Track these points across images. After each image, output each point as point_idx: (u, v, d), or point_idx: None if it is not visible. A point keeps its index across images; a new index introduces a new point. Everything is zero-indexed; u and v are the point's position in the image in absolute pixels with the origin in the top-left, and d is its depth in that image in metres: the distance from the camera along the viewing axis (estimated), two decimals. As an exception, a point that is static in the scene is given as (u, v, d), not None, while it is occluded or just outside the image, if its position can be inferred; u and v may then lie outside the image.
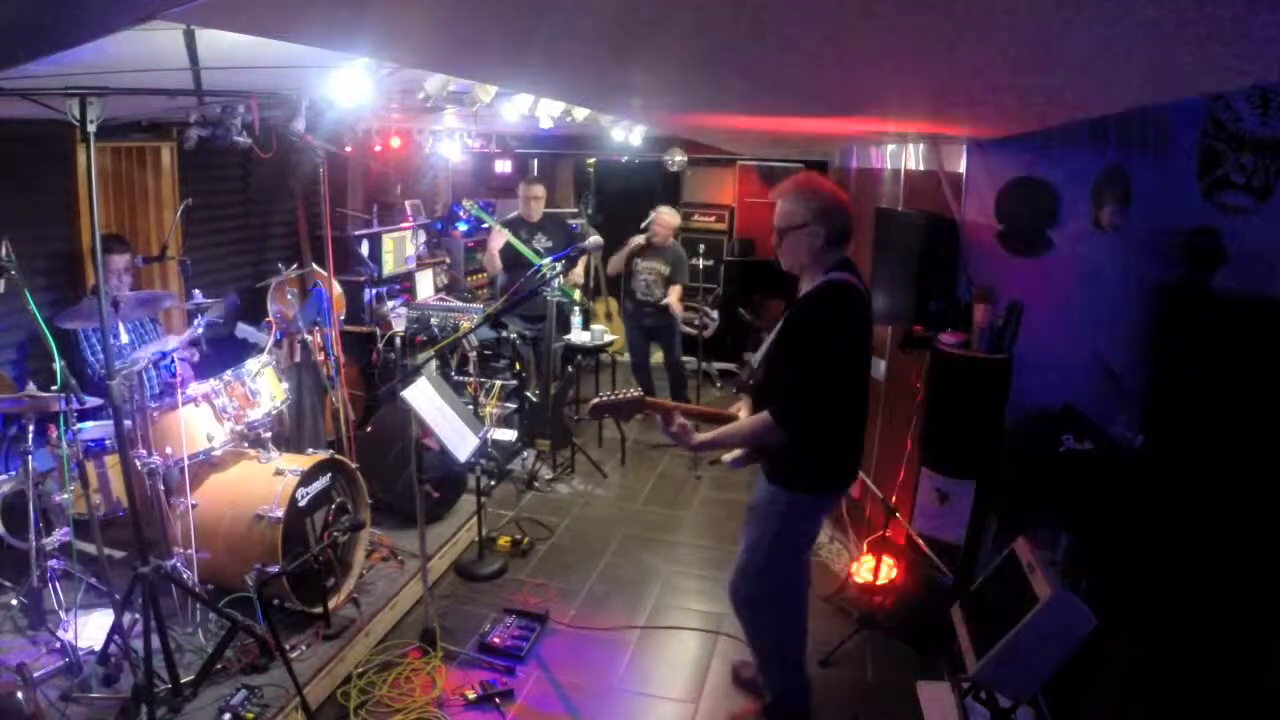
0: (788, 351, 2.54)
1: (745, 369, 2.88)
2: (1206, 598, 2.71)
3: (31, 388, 2.99)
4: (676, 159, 7.60)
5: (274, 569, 2.98)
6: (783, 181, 2.70)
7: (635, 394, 2.73)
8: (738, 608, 2.88)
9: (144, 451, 2.96)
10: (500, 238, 5.53)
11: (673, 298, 5.96)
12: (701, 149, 7.50)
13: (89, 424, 3.18)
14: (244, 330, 4.28)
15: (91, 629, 2.98)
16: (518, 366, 5.53)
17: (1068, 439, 3.07)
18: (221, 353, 3.88)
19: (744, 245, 7.76)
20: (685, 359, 6.47)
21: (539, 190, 5.77)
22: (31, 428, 2.95)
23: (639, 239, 5.99)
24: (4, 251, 2.69)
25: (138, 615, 2.73)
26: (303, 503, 3.22)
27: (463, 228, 6.82)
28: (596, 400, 2.76)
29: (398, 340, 5.08)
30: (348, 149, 4.88)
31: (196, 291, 3.59)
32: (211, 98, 2.95)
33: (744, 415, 2.73)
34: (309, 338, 4.26)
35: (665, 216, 6.00)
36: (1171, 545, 2.89)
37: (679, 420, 2.65)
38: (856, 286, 2.56)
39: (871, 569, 3.70)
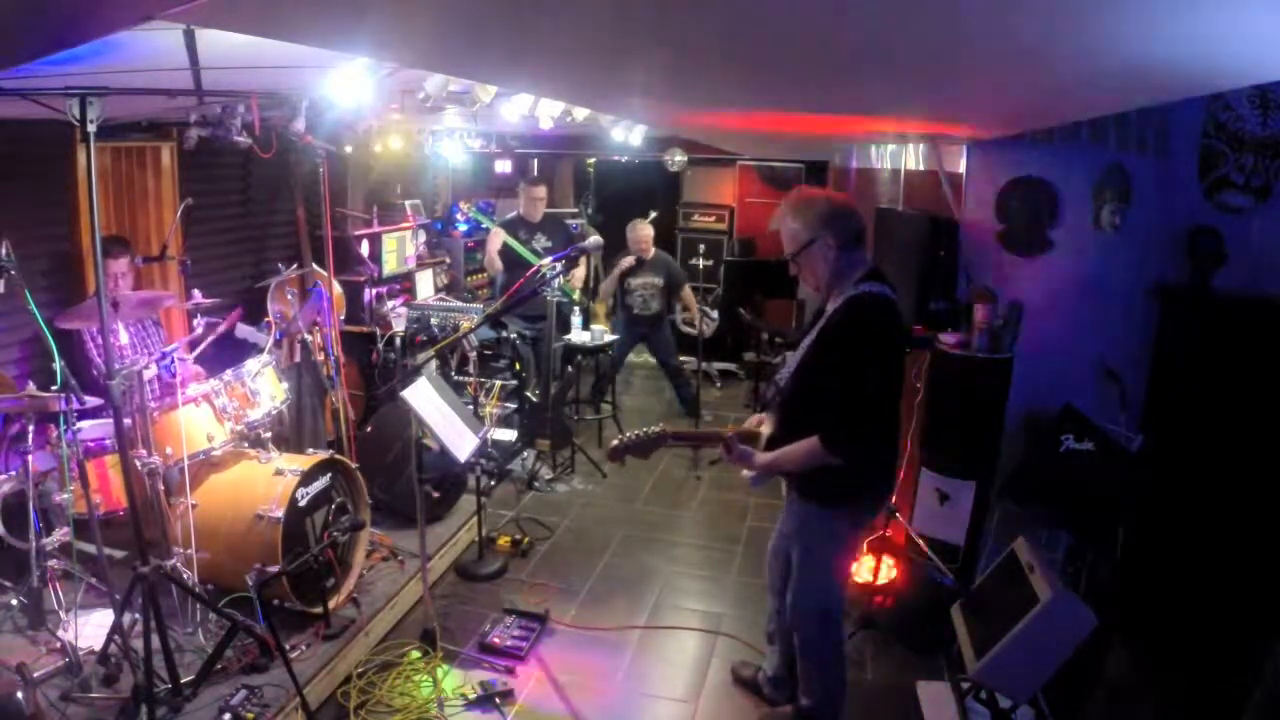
0: (828, 373, 2.47)
1: (770, 385, 2.83)
2: (1206, 597, 2.71)
3: (31, 388, 2.99)
4: (676, 159, 7.61)
5: (274, 569, 2.98)
6: (776, 211, 2.61)
7: (657, 431, 2.69)
8: (795, 627, 2.84)
9: (144, 451, 2.96)
10: (497, 239, 5.55)
11: (696, 319, 6.27)
12: (701, 149, 7.50)
13: (88, 423, 3.18)
14: (244, 330, 4.28)
15: (91, 629, 2.98)
16: (518, 366, 5.53)
17: (1068, 439, 3.08)
18: (221, 353, 3.88)
19: (744, 245, 7.76)
20: (685, 359, 6.47)
21: (540, 191, 5.78)
22: (31, 428, 2.95)
23: (628, 260, 6.04)
24: (4, 251, 2.68)
25: (138, 615, 2.73)
26: (303, 503, 3.22)
27: (463, 228, 6.83)
28: (616, 443, 2.68)
29: (398, 340, 5.08)
30: (348, 149, 4.88)
31: (196, 291, 3.59)
32: (211, 98, 2.95)
33: (765, 430, 2.70)
34: (309, 338, 4.26)
35: (640, 230, 6.08)
36: (1171, 545, 2.90)
37: (739, 448, 2.62)
38: (889, 297, 2.48)
39: (871, 569, 3.70)
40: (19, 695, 2.38)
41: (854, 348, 2.44)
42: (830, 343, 2.50)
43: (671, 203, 8.08)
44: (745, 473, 2.71)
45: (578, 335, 6.03)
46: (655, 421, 2.88)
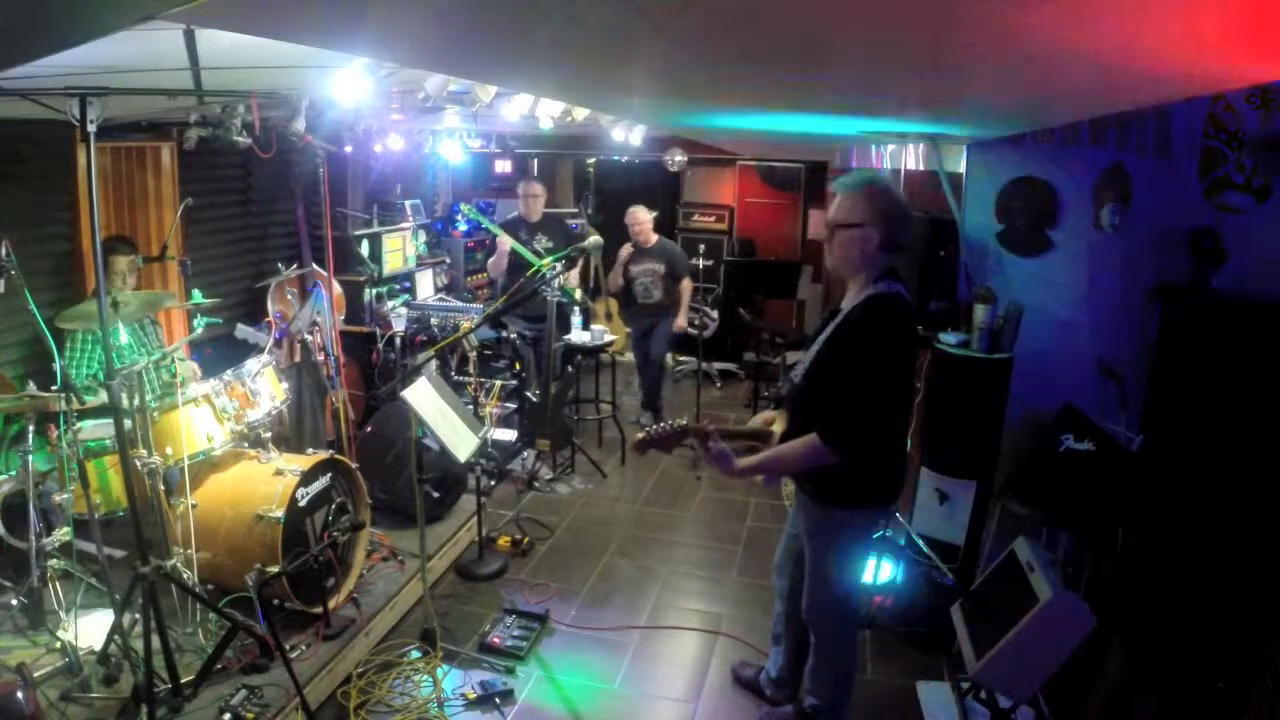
0: (837, 370, 2.44)
1: (784, 381, 2.79)
2: (1206, 597, 2.71)
3: (31, 388, 2.99)
4: (676, 159, 7.60)
5: (274, 569, 2.98)
6: (847, 175, 2.54)
7: (680, 425, 2.60)
8: (811, 626, 2.82)
9: (144, 451, 2.96)
10: (505, 246, 5.54)
11: (681, 319, 6.05)
12: (701, 149, 7.50)
13: (89, 423, 3.18)
14: (244, 330, 4.28)
15: (91, 629, 2.98)
16: (518, 366, 5.54)
17: (1068, 439, 3.08)
18: (221, 353, 3.89)
19: (744, 245, 7.76)
20: (685, 359, 6.47)
21: (538, 189, 5.77)
22: (31, 428, 2.95)
23: (626, 249, 6.00)
24: (4, 251, 2.68)
25: (138, 615, 2.73)
26: (303, 503, 3.22)
27: (463, 228, 6.83)
28: (642, 436, 2.60)
29: (398, 340, 5.08)
30: (348, 149, 4.88)
31: (196, 291, 3.59)
32: (211, 98, 2.95)
33: (778, 428, 2.67)
34: (309, 338, 4.26)
35: (637, 214, 6.00)
36: (1171, 545, 2.89)
37: (718, 446, 2.51)
38: (905, 298, 2.46)
39: (871, 569, 3.70)
40: (19, 695, 2.38)
41: (870, 347, 2.41)
42: (846, 341, 2.47)
43: (671, 202, 8.08)
44: (757, 476, 2.67)
45: (578, 335, 6.02)
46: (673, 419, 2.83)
